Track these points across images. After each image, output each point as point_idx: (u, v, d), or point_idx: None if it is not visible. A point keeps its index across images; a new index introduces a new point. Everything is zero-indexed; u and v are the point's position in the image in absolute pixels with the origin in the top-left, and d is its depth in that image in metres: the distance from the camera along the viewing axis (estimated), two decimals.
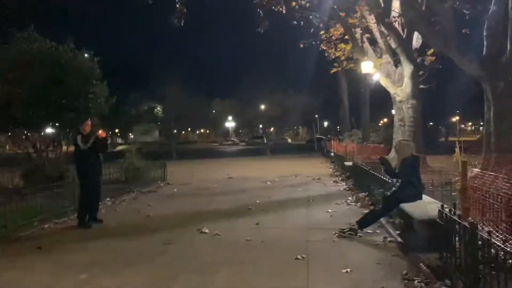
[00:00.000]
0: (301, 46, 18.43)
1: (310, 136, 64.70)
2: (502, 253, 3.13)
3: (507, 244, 3.31)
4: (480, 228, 3.53)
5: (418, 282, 4.20)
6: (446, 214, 4.29)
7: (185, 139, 78.32)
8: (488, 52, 10.94)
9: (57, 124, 11.78)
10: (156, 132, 72.38)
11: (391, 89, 17.07)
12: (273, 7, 17.05)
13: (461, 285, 3.81)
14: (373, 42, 18.81)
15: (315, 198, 9.90)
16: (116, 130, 66.01)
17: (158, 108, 66.76)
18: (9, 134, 13.70)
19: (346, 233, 6.18)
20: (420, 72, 17.04)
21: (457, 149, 7.08)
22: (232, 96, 77.00)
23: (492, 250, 3.27)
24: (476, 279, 3.49)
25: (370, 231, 6.33)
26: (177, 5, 15.04)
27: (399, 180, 6.21)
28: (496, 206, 3.94)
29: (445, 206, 4.52)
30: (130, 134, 68.10)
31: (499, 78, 10.55)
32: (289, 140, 71.76)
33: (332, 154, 22.38)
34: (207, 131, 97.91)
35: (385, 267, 4.77)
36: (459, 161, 6.60)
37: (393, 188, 6.29)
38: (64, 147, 13.40)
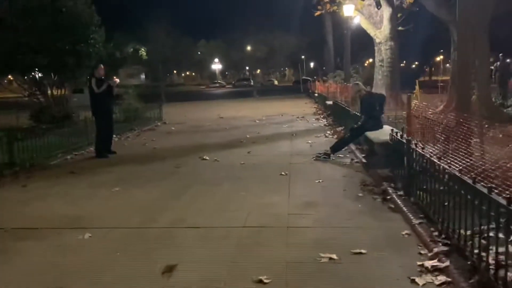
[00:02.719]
0: None
1: (297, 77, 65.14)
2: (426, 160, 4.47)
3: (433, 155, 4.65)
4: (416, 145, 4.85)
5: (371, 186, 5.65)
6: (394, 136, 5.65)
7: (171, 82, 78.16)
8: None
9: (60, 67, 12.67)
10: (142, 75, 72.09)
11: (371, 31, 18.07)
12: None
13: (399, 184, 5.24)
14: None
15: (298, 133, 11.27)
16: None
17: (143, 50, 66.19)
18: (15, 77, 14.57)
19: (321, 156, 7.60)
20: (399, 15, 18.02)
21: (417, 87, 8.36)
22: (218, 38, 76.30)
23: (422, 159, 4.62)
24: (410, 180, 4.89)
25: (341, 155, 7.76)
26: None
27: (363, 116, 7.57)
28: (426, 129, 5.28)
29: (395, 130, 5.88)
30: (115, 77, 67.98)
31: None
32: (276, 82, 72.38)
33: (316, 94, 23.64)
34: (193, 74, 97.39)
35: (349, 178, 6.21)
36: (418, 97, 7.89)
37: (359, 122, 7.64)
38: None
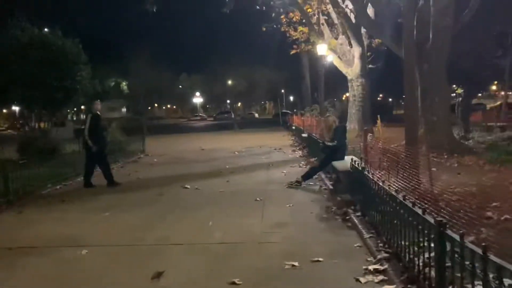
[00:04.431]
0: (264, 29, 20.35)
1: (277, 110, 66.50)
2: (376, 185, 5.24)
3: (384, 181, 5.44)
4: (369, 172, 5.64)
5: (335, 208, 6.41)
6: (353, 165, 6.46)
7: (152, 115, 78.62)
8: (417, 39, 13.17)
9: (49, 102, 13.30)
10: (123, 108, 72.55)
11: (343, 69, 19.32)
12: None
13: (358, 207, 6.01)
14: (331, 23, 20.90)
15: (274, 163, 12.04)
16: (82, 107, 66.02)
17: (124, 84, 66.94)
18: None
19: (293, 184, 8.36)
20: (368, 53, 19.35)
21: (378, 121, 9.32)
22: (199, 72, 77.64)
23: (373, 184, 5.40)
24: (365, 201, 5.66)
25: (312, 183, 8.53)
26: None
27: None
28: (379, 158, 6.11)
29: (354, 159, 6.69)
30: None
31: (424, 62, 12.84)
32: (256, 115, 73.67)
33: (294, 127, 24.63)
34: (174, 107, 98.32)
35: (316, 203, 6.96)
36: (380, 130, 8.77)
37: (328, 143, 8.44)
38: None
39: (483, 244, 2.48)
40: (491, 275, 2.41)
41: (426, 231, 3.30)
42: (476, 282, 2.57)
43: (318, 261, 4.28)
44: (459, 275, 2.76)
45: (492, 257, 2.38)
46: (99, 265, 4.45)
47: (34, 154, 12.78)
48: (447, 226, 3.00)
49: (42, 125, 14.75)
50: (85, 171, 9.32)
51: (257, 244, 4.94)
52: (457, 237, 2.77)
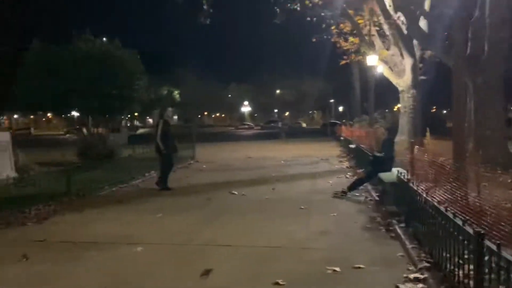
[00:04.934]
0: (314, 40, 20.53)
1: (325, 120, 65.94)
2: (421, 195, 5.29)
3: (428, 192, 5.47)
4: (414, 184, 5.69)
5: (379, 219, 6.47)
6: (399, 177, 6.50)
7: (202, 123, 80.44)
8: (471, 52, 12.90)
9: (108, 109, 14.13)
10: (175, 116, 74.68)
11: (393, 80, 19.09)
12: (288, 5, 19.12)
13: (403, 218, 6.05)
14: (382, 34, 20.75)
15: (320, 173, 12.14)
16: (136, 114, 68.75)
17: (176, 92, 69.07)
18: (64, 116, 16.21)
19: (339, 194, 8.46)
20: (420, 65, 19.02)
21: (427, 133, 9.25)
22: (248, 81, 78.88)
23: (418, 196, 5.44)
24: (410, 212, 5.71)
25: (357, 194, 8.59)
26: (205, 6, 17.21)
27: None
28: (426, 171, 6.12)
29: (400, 171, 6.73)
30: (148, 117, 70.75)
31: (478, 75, 12.54)
32: (304, 125, 73.46)
33: (342, 138, 24.53)
34: (223, 115, 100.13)
35: (361, 213, 7.04)
36: (429, 143, 8.74)
37: (377, 154, 8.48)
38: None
39: None
40: None
41: (466, 242, 3.37)
42: None
43: (359, 267, 4.41)
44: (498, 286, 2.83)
45: None
46: (152, 261, 4.80)
47: (93, 158, 13.67)
48: (486, 237, 3.07)
49: (98, 131, 15.64)
50: (161, 175, 9.80)
51: (301, 250, 5.12)
52: (494, 247, 2.85)
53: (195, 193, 9.23)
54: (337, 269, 4.36)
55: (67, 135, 41.50)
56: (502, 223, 3.23)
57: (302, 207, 7.49)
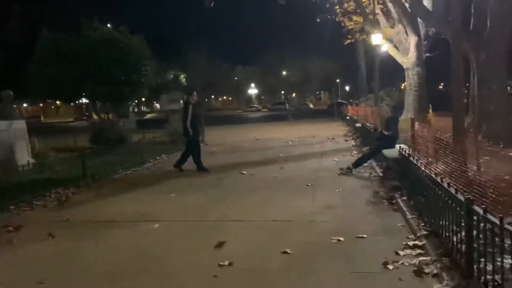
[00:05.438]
0: (318, 20, 20.59)
1: (332, 100, 65.74)
2: (420, 169, 5.56)
3: (426, 166, 5.75)
4: (414, 158, 5.95)
5: (382, 193, 6.77)
6: (401, 152, 6.78)
7: (209, 107, 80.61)
8: (474, 28, 12.97)
9: (118, 95, 14.45)
10: (181, 100, 74.92)
11: (398, 58, 19.18)
12: None
13: (404, 191, 6.35)
14: (386, 12, 20.74)
15: (327, 152, 12.43)
16: (143, 99, 69.03)
17: (183, 76, 69.19)
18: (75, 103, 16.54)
19: (344, 171, 8.75)
20: (425, 42, 19.05)
21: (430, 110, 9.43)
22: (254, 63, 78.72)
23: (417, 170, 5.73)
24: (411, 186, 6.00)
25: (362, 170, 8.88)
26: None
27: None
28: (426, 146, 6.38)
29: (402, 147, 7.00)
30: (155, 102, 71.11)
31: (481, 50, 12.62)
32: (311, 106, 73.37)
33: (348, 117, 24.72)
34: (230, 98, 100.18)
35: (365, 188, 7.35)
36: (432, 119, 8.95)
37: (384, 132, 8.72)
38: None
39: (500, 215, 2.85)
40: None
41: (458, 208, 3.67)
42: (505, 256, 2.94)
43: (362, 237, 4.73)
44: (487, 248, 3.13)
45: (508, 226, 2.75)
46: (169, 236, 5.17)
47: (104, 143, 14.06)
48: (476, 203, 3.36)
49: (108, 117, 15.99)
50: (194, 159, 10.07)
51: (307, 223, 5.45)
52: (481, 211, 3.14)
53: (206, 174, 9.58)
54: (341, 238, 4.69)
55: (76, 122, 42.11)
56: (491, 191, 3.52)
57: (309, 184, 7.81)
